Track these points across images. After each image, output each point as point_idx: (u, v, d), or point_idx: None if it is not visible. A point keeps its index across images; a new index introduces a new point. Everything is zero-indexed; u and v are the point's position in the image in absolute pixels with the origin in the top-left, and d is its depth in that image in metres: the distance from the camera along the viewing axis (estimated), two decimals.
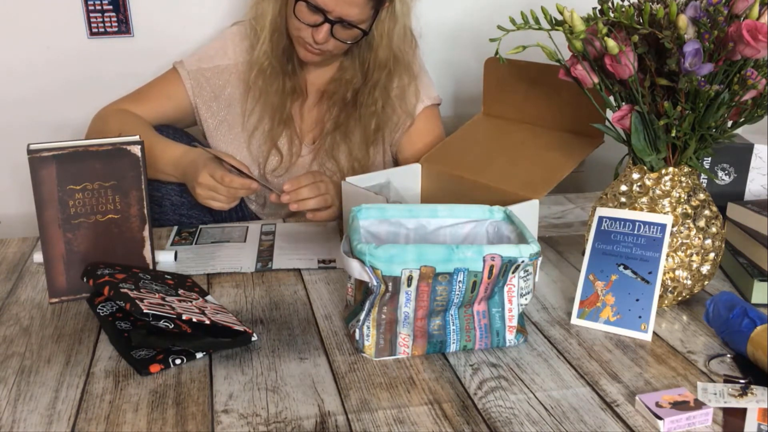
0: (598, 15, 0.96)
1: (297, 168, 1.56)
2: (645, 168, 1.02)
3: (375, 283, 0.88)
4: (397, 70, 1.49)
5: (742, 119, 0.99)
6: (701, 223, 1.01)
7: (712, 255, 1.02)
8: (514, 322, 0.94)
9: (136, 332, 0.92)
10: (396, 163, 1.60)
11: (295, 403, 0.83)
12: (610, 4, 0.95)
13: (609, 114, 1.03)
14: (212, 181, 1.26)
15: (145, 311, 0.89)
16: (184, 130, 1.56)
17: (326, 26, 1.36)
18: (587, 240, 1.04)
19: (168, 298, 0.97)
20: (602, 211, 1.03)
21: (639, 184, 1.03)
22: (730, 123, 1.01)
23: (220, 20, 1.77)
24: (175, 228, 1.37)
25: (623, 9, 0.93)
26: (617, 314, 0.98)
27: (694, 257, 1.01)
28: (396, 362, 0.91)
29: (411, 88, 1.52)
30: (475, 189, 1.27)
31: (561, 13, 0.96)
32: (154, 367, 0.89)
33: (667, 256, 1.00)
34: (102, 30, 1.76)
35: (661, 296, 1.03)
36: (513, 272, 0.90)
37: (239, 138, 1.54)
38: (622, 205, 1.04)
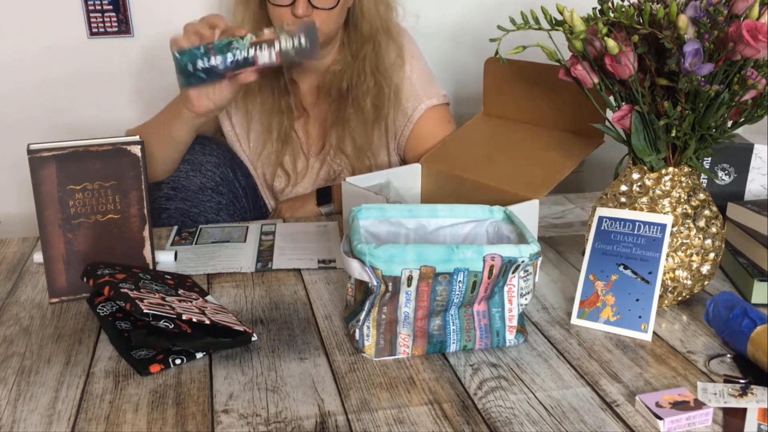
0: (598, 15, 0.96)
1: (306, 179, 1.56)
2: (645, 168, 1.02)
3: (375, 283, 0.88)
4: (382, 41, 1.47)
5: (742, 119, 0.99)
6: (701, 223, 1.01)
7: (712, 255, 1.02)
8: (514, 322, 0.94)
9: (136, 332, 0.92)
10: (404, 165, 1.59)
11: (295, 403, 0.83)
12: (610, 4, 0.95)
13: (609, 114, 1.03)
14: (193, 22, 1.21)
15: (145, 311, 0.89)
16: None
17: None
18: (587, 240, 1.04)
19: (168, 298, 0.98)
20: (602, 211, 1.03)
21: (639, 184, 1.03)
22: (730, 123, 1.01)
23: None
24: (175, 228, 1.38)
25: (623, 9, 0.93)
26: (617, 314, 0.98)
27: (694, 257, 1.01)
28: (396, 362, 0.91)
29: (399, 60, 1.50)
30: (475, 189, 1.27)
31: (561, 13, 0.96)
32: (154, 367, 0.89)
33: (667, 256, 1.00)
34: (102, 30, 1.76)
35: (661, 296, 1.03)
36: (513, 272, 0.90)
37: (248, 155, 1.57)
38: (622, 205, 1.04)
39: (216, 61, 1.17)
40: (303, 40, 1.19)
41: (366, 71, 1.46)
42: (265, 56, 1.18)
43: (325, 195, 1.49)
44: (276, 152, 1.53)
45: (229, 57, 1.18)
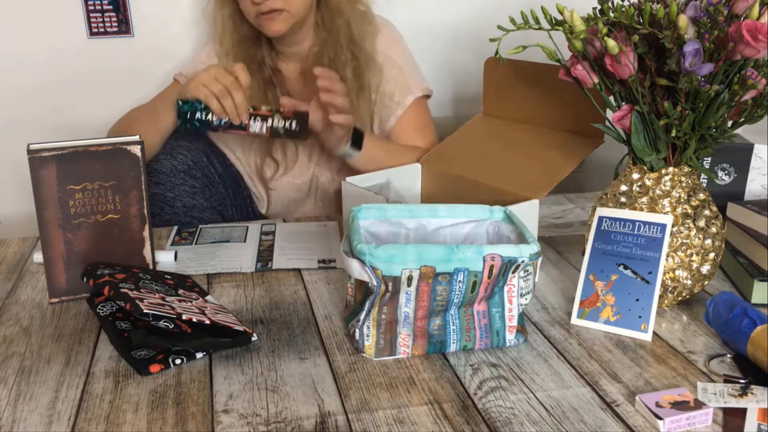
0: (598, 15, 0.96)
1: (297, 167, 1.56)
2: (645, 168, 1.02)
3: (375, 283, 0.88)
4: (350, 11, 1.50)
5: (742, 119, 0.99)
6: (701, 223, 1.01)
7: (712, 255, 1.02)
8: (514, 322, 0.94)
9: (136, 332, 0.92)
10: None
11: (295, 403, 0.83)
12: (610, 4, 0.95)
13: (609, 114, 1.03)
14: (225, 69, 1.30)
15: (145, 311, 0.89)
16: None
17: None
18: (587, 240, 1.04)
19: (168, 298, 0.98)
20: (602, 211, 1.03)
21: (639, 184, 1.03)
22: (730, 123, 1.01)
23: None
24: (175, 228, 1.38)
25: (623, 9, 0.93)
26: (617, 314, 0.98)
27: (694, 257, 1.01)
28: (396, 362, 0.91)
29: (370, 28, 1.54)
30: (475, 189, 1.27)
31: (561, 13, 0.96)
32: (154, 367, 0.89)
33: (667, 256, 1.00)
34: (102, 30, 1.77)
35: (661, 296, 1.03)
36: (513, 272, 0.90)
37: (234, 147, 1.57)
38: (622, 205, 1.04)
39: (212, 118, 1.33)
40: (293, 125, 1.35)
41: (342, 43, 1.49)
42: (257, 127, 1.34)
43: (358, 138, 1.46)
44: (266, 143, 1.55)
45: (224, 118, 1.32)
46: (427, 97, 1.60)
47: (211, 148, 1.55)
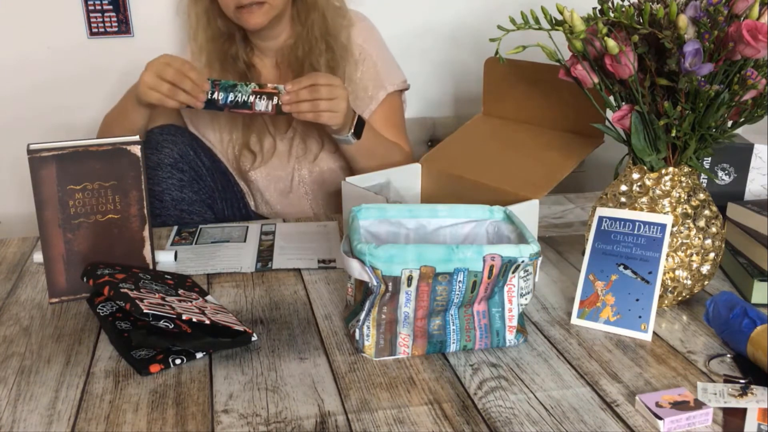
0: (598, 15, 0.96)
1: (275, 158, 1.57)
2: (645, 168, 1.02)
3: (375, 283, 0.88)
4: (328, 7, 1.52)
5: (742, 119, 0.99)
6: (701, 223, 1.01)
7: (712, 255, 1.02)
8: (514, 322, 0.94)
9: (136, 332, 0.92)
10: None
11: (295, 403, 0.83)
12: (610, 4, 0.95)
13: (609, 114, 1.03)
14: (165, 62, 1.30)
15: (145, 311, 0.89)
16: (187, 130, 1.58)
17: None
18: (587, 240, 1.04)
19: (168, 298, 0.98)
20: (602, 211, 1.03)
21: (639, 184, 1.03)
22: (730, 123, 1.01)
23: None
24: (175, 228, 1.38)
25: (623, 9, 0.93)
26: (617, 314, 0.98)
27: (694, 257, 1.01)
28: (396, 362, 0.91)
29: (344, 21, 1.55)
30: (475, 189, 1.27)
31: (561, 13, 0.96)
32: (154, 367, 0.89)
33: (667, 256, 1.00)
34: (102, 30, 1.77)
35: (661, 296, 1.03)
36: (513, 272, 0.90)
37: (214, 140, 1.58)
38: (622, 205, 1.04)
39: (218, 96, 1.33)
40: None
41: (316, 35, 1.50)
42: (262, 105, 1.33)
43: (360, 127, 1.47)
44: (242, 134, 1.56)
45: (231, 97, 1.33)
46: (403, 90, 1.61)
47: (198, 142, 1.55)
